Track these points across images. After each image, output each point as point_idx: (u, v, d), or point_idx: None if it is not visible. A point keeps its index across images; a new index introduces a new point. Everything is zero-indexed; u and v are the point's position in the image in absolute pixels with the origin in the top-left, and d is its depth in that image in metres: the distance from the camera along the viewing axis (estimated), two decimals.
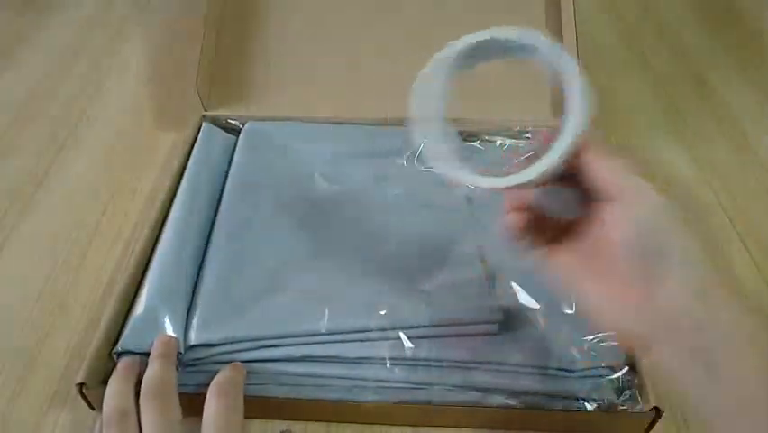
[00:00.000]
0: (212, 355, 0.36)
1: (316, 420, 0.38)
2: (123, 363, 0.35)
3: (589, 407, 0.35)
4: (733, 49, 0.70)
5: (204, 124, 0.52)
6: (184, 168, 0.48)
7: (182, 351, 0.36)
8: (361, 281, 0.41)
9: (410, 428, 0.37)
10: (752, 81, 0.65)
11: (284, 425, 0.37)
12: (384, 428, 0.37)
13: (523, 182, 0.31)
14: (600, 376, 0.36)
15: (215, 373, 0.34)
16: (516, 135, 0.53)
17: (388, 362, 0.36)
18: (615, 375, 0.36)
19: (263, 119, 0.54)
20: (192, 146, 0.50)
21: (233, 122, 0.54)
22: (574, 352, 0.36)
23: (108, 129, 0.59)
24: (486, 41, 0.38)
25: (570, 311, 0.38)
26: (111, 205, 0.51)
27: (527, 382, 0.36)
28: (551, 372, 0.36)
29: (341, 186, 0.48)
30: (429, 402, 0.36)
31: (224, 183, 0.48)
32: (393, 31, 0.57)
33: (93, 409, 0.37)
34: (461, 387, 0.36)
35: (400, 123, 0.53)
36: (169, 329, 0.36)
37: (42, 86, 0.65)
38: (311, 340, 0.37)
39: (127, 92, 0.64)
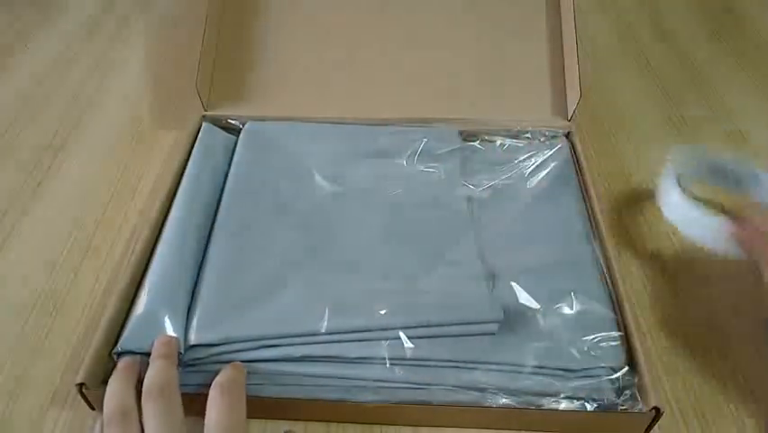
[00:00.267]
0: (212, 355, 0.36)
1: (316, 420, 0.38)
2: (123, 362, 0.35)
3: (589, 407, 0.35)
4: (733, 49, 0.70)
5: (204, 124, 0.52)
6: (184, 168, 0.48)
7: (182, 351, 0.36)
8: (362, 281, 0.41)
9: (410, 428, 0.37)
10: (752, 81, 0.65)
11: (284, 425, 0.37)
12: (384, 428, 0.37)
13: None
14: (600, 376, 0.36)
15: (215, 373, 0.34)
16: (516, 135, 0.53)
17: (387, 362, 0.36)
18: (615, 375, 0.36)
19: (263, 119, 0.54)
20: (192, 146, 0.50)
21: (233, 122, 0.54)
22: (574, 352, 0.36)
23: (108, 129, 0.59)
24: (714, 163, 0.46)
25: (570, 311, 0.39)
26: (111, 205, 0.51)
27: (527, 383, 0.36)
28: (551, 372, 0.36)
29: (341, 186, 0.48)
30: (429, 402, 0.36)
31: (224, 183, 0.48)
32: (393, 31, 0.58)
33: (93, 409, 0.37)
34: (461, 387, 0.36)
35: (400, 123, 0.54)
36: (170, 329, 0.36)
37: (42, 86, 0.65)
38: (311, 340, 0.37)
39: (127, 92, 0.64)
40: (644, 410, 0.34)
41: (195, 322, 0.37)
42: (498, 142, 0.53)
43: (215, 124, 0.53)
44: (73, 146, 0.57)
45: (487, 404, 0.36)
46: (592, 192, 0.47)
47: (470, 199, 0.48)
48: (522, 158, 0.51)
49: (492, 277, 0.41)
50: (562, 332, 0.37)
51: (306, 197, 0.48)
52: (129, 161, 0.56)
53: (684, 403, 0.38)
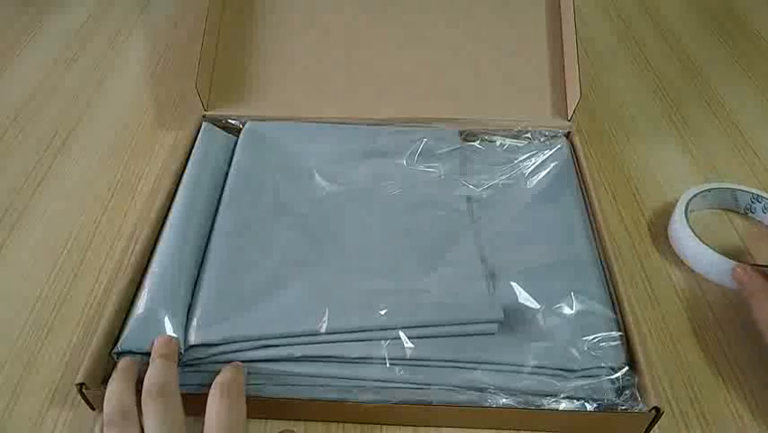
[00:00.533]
0: (212, 355, 0.36)
1: (316, 420, 0.38)
2: (123, 363, 0.35)
3: (589, 407, 0.35)
4: (733, 49, 0.70)
5: (204, 124, 0.52)
6: (184, 168, 0.48)
7: (182, 351, 0.36)
8: (362, 281, 0.41)
9: (410, 428, 0.37)
10: (752, 81, 0.65)
11: (284, 425, 0.37)
12: (384, 428, 0.37)
13: None
14: (600, 376, 0.36)
15: (215, 373, 0.34)
16: (516, 135, 0.53)
17: (388, 362, 0.36)
18: (615, 375, 0.36)
19: (263, 119, 0.54)
20: (192, 146, 0.50)
21: (232, 122, 0.54)
22: (574, 352, 0.36)
23: (108, 129, 0.59)
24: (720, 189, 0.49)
25: (570, 311, 0.39)
26: (111, 205, 0.51)
27: (527, 382, 0.36)
28: (551, 372, 0.36)
29: (341, 186, 0.48)
30: (429, 402, 0.36)
31: (224, 183, 0.48)
32: (393, 31, 0.58)
33: (93, 409, 0.37)
34: (461, 387, 0.36)
35: (400, 123, 0.54)
36: (169, 329, 0.36)
37: (42, 86, 0.65)
38: (311, 340, 0.37)
39: (127, 92, 0.64)
40: (645, 410, 0.34)
41: (195, 322, 0.37)
42: (498, 143, 0.53)
43: (215, 124, 0.53)
44: (73, 146, 0.57)
45: (487, 404, 0.36)
46: (592, 192, 0.47)
47: (469, 199, 0.48)
48: (522, 158, 0.51)
49: (492, 277, 0.41)
50: (561, 332, 0.37)
51: (305, 196, 0.48)
52: (129, 161, 0.56)
53: (684, 403, 0.38)
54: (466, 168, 0.51)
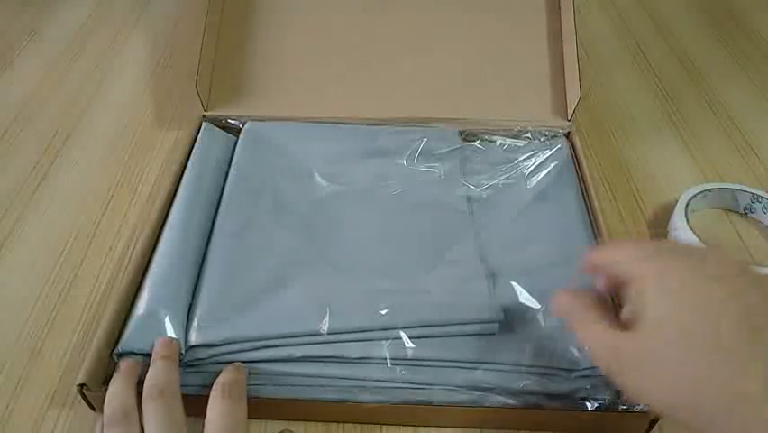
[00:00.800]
0: (212, 356, 0.36)
1: (317, 421, 0.38)
2: (124, 364, 0.35)
3: (590, 406, 0.35)
4: (733, 49, 0.70)
5: (204, 124, 0.52)
6: (184, 168, 0.48)
7: (183, 351, 0.36)
8: (362, 281, 0.41)
9: (411, 428, 0.37)
10: (752, 81, 0.65)
11: (284, 425, 0.37)
12: (385, 428, 0.37)
13: None
14: (601, 376, 0.36)
15: (216, 373, 0.34)
16: (516, 135, 0.53)
17: (389, 362, 0.36)
18: None
19: (263, 119, 0.54)
20: (192, 146, 0.50)
21: (232, 122, 0.54)
22: (575, 352, 0.36)
23: (108, 129, 0.59)
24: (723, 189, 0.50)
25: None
26: (111, 205, 0.51)
27: (528, 383, 0.36)
28: (551, 372, 0.36)
29: (341, 185, 0.48)
30: (430, 402, 0.36)
31: (225, 183, 0.48)
32: (392, 31, 0.58)
33: (94, 410, 0.37)
34: (462, 387, 0.36)
35: (400, 123, 0.54)
36: (170, 330, 0.36)
37: (42, 85, 0.65)
38: (312, 340, 0.37)
39: (127, 92, 0.64)
40: (646, 409, 0.34)
41: (195, 322, 0.37)
42: (498, 142, 0.53)
43: (215, 124, 0.53)
44: (73, 146, 0.57)
45: (487, 404, 0.36)
46: (592, 191, 0.47)
47: (469, 199, 0.48)
48: (522, 158, 0.51)
49: (492, 277, 0.41)
50: (562, 332, 0.37)
51: (305, 197, 0.48)
52: (129, 161, 0.56)
53: None
54: (466, 168, 0.51)
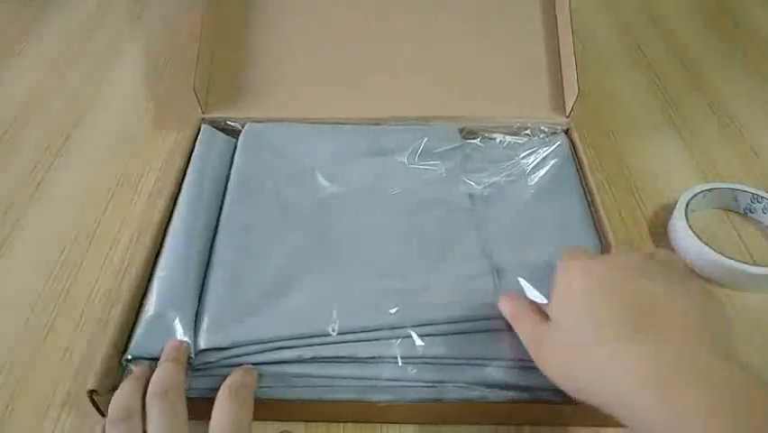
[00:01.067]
0: (222, 359, 0.36)
1: (328, 421, 0.38)
2: (137, 369, 0.35)
3: None
4: (733, 49, 0.70)
5: (203, 126, 0.52)
6: (184, 171, 0.48)
7: (192, 355, 0.36)
8: (369, 280, 0.41)
9: (422, 426, 0.37)
10: (751, 80, 0.65)
11: (291, 427, 0.37)
12: (396, 427, 0.37)
13: None
14: None
15: (225, 376, 0.34)
16: (515, 132, 0.53)
17: (400, 360, 0.36)
18: None
19: (262, 120, 0.54)
20: (191, 148, 0.50)
21: (232, 124, 0.54)
22: None
23: (108, 129, 0.59)
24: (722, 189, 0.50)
25: None
26: (111, 205, 0.51)
27: (538, 378, 0.36)
28: None
29: (342, 186, 0.48)
30: (441, 400, 0.36)
31: (226, 186, 0.48)
32: (391, 31, 0.58)
33: (104, 415, 0.37)
34: (473, 384, 0.36)
35: (399, 122, 0.54)
36: (179, 333, 0.36)
37: (42, 86, 0.65)
38: (321, 341, 0.37)
39: (127, 92, 0.64)
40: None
41: (204, 326, 0.37)
42: (498, 140, 0.53)
43: (215, 126, 0.53)
44: (73, 146, 0.57)
45: (499, 400, 0.35)
46: (593, 187, 0.47)
47: (471, 197, 0.48)
48: (522, 155, 0.51)
49: (498, 273, 0.41)
50: None
51: (308, 197, 0.48)
52: (129, 162, 0.56)
53: None
54: (467, 165, 0.51)
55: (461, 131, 0.53)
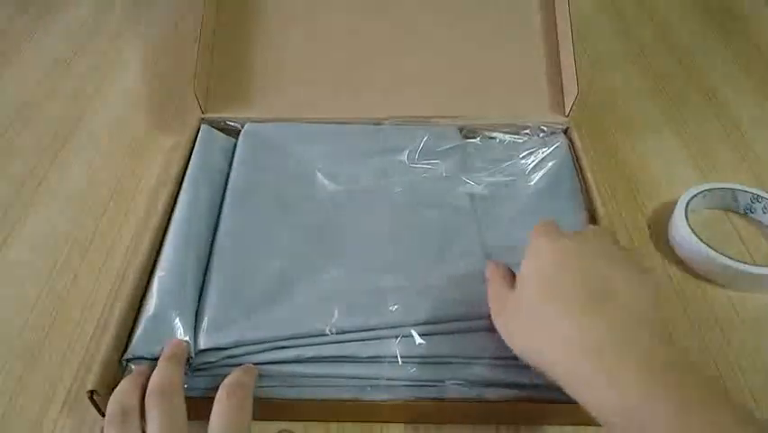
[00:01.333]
0: (222, 359, 0.36)
1: (328, 421, 0.38)
2: (137, 368, 0.35)
3: None
4: (733, 48, 0.70)
5: (202, 126, 0.52)
6: (184, 171, 0.48)
7: (192, 355, 0.36)
8: (368, 280, 0.41)
9: (422, 425, 0.37)
10: (752, 81, 0.65)
11: (293, 426, 0.37)
12: (396, 426, 0.37)
13: None
14: None
15: (225, 376, 0.34)
16: (515, 131, 0.53)
17: (400, 359, 0.36)
18: None
19: (262, 120, 0.54)
20: (191, 148, 0.50)
21: (231, 124, 0.54)
22: None
23: (108, 129, 0.59)
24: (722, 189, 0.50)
25: None
26: (111, 205, 0.51)
27: (537, 376, 0.36)
28: None
29: (342, 185, 0.48)
30: (442, 399, 0.36)
31: (225, 186, 0.48)
32: (391, 30, 0.58)
33: (104, 416, 0.37)
34: (473, 382, 0.36)
35: (400, 121, 0.54)
36: (179, 333, 0.36)
37: (42, 86, 0.65)
38: (321, 340, 0.37)
39: (127, 93, 0.64)
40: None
41: (204, 326, 0.37)
42: (498, 139, 0.53)
43: (214, 127, 0.53)
44: (73, 146, 0.57)
45: (500, 399, 0.35)
46: (592, 186, 0.47)
47: (471, 196, 0.48)
48: (522, 154, 0.51)
49: None
50: None
51: (307, 197, 0.48)
52: (129, 162, 0.56)
53: None
54: (467, 165, 0.51)
55: (461, 130, 0.53)
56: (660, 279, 0.45)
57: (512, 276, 0.36)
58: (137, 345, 0.36)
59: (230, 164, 0.50)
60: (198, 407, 0.32)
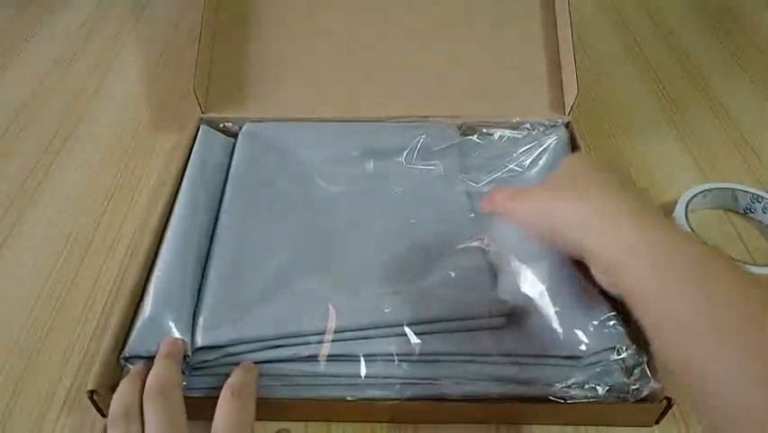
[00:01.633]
0: (219, 357, 0.36)
1: (328, 420, 0.38)
2: (135, 367, 0.35)
3: (601, 390, 0.35)
4: (733, 48, 0.70)
5: (201, 127, 0.52)
6: (183, 170, 0.48)
7: (189, 353, 0.36)
8: (366, 278, 0.41)
9: (421, 424, 0.37)
10: (752, 81, 0.65)
11: (291, 426, 0.37)
12: (396, 425, 0.37)
13: None
14: (609, 358, 0.35)
15: (223, 376, 0.34)
16: (514, 127, 0.53)
17: (396, 358, 0.36)
18: (622, 355, 0.35)
19: (261, 120, 0.53)
20: (190, 148, 0.50)
21: (230, 124, 0.54)
22: (582, 337, 0.36)
23: (108, 129, 0.59)
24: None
25: (574, 298, 0.38)
26: (111, 205, 0.52)
27: (536, 374, 0.36)
28: (559, 361, 0.36)
29: (340, 185, 0.48)
30: (438, 397, 0.36)
31: (224, 185, 0.48)
32: (390, 30, 0.58)
33: (104, 415, 0.37)
34: (470, 380, 0.36)
35: (399, 121, 0.54)
36: (176, 332, 0.36)
37: (42, 86, 0.65)
38: (318, 339, 0.37)
39: (126, 93, 0.64)
40: (656, 386, 0.34)
41: (201, 324, 0.37)
42: (497, 135, 0.53)
43: (213, 127, 0.53)
44: (73, 146, 0.57)
45: (497, 397, 0.35)
46: None
47: (469, 195, 0.48)
48: (521, 150, 0.51)
49: (495, 270, 0.41)
50: (567, 319, 0.37)
51: (306, 197, 0.48)
52: (128, 162, 0.56)
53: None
54: (465, 163, 0.51)
55: (460, 127, 0.53)
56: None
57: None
58: (134, 344, 0.36)
59: (228, 164, 0.50)
60: (198, 407, 0.32)
